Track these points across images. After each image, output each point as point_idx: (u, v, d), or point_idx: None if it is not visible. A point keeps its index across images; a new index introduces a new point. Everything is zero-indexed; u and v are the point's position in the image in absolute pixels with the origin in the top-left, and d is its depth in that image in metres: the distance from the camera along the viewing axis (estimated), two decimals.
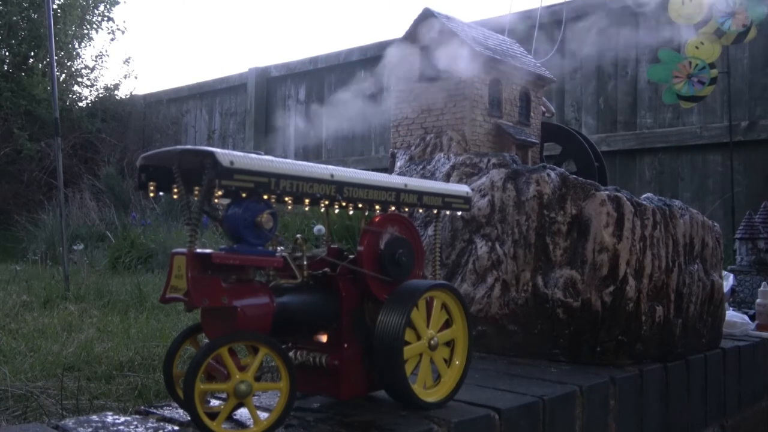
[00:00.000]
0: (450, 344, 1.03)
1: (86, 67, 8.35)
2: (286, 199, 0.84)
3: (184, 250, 0.81)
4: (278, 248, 0.91)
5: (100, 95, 8.23)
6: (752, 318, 2.07)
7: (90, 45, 9.63)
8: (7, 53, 7.70)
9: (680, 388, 1.50)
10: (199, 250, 0.81)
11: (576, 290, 1.40)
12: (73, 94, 8.13)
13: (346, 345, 0.96)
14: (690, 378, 1.53)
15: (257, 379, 0.82)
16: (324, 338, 0.98)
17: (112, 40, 10.20)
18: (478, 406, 1.02)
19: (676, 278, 1.49)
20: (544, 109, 2.05)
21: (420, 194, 1.01)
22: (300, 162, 0.86)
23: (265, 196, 0.82)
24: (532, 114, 1.95)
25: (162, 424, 0.91)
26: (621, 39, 4.29)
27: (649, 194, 1.60)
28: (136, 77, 14.46)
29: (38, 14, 7.55)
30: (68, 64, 8.08)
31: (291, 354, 0.98)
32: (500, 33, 2.09)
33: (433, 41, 1.80)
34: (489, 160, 1.55)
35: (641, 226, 1.44)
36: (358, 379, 0.98)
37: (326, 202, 0.89)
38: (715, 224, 1.71)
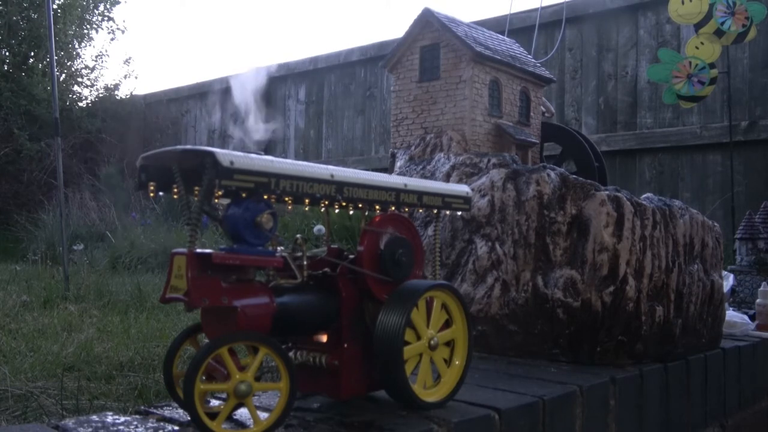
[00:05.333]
0: (450, 344, 1.03)
1: (86, 67, 8.35)
2: (286, 199, 0.84)
3: (184, 250, 0.81)
4: (278, 248, 0.91)
5: (100, 95, 8.22)
6: (752, 318, 2.07)
7: (90, 45, 9.59)
8: (7, 53, 7.69)
9: (680, 388, 1.50)
10: (199, 250, 0.81)
11: (576, 290, 1.40)
12: (73, 94, 8.12)
13: (346, 345, 0.96)
14: (690, 378, 1.53)
15: (257, 379, 0.82)
16: (324, 338, 0.98)
17: (112, 40, 10.17)
18: (478, 406, 1.02)
19: (676, 278, 1.49)
20: (544, 109, 2.05)
21: (420, 194, 1.01)
22: (300, 162, 0.86)
23: (265, 196, 0.82)
24: (532, 114, 1.95)
25: (162, 424, 0.91)
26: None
27: (649, 194, 1.60)
28: (136, 77, 14.42)
29: (38, 14, 7.55)
30: (68, 64, 8.07)
31: (291, 354, 0.98)
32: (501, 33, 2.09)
33: (432, 41, 1.80)
34: (489, 160, 1.55)
35: (641, 226, 1.44)
36: (358, 379, 0.98)
37: (326, 202, 0.89)
38: (715, 224, 1.71)
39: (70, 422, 0.89)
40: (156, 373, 1.64)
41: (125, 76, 8.81)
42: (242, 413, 0.91)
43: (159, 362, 1.76)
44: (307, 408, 0.98)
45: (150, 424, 0.90)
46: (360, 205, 0.93)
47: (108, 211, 5.77)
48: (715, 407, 1.65)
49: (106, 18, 8.48)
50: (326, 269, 0.99)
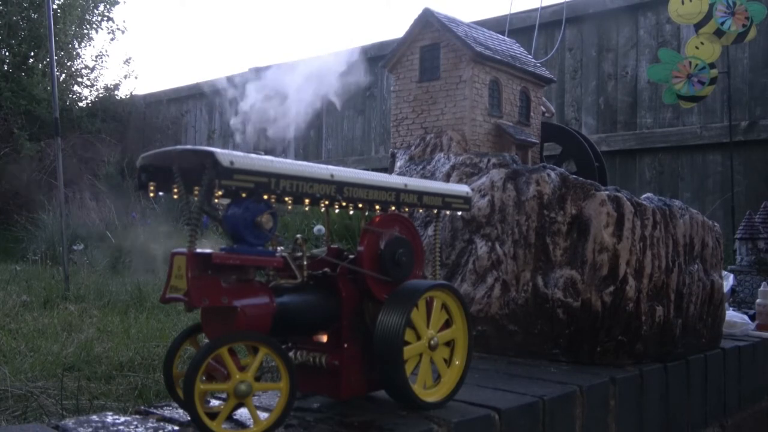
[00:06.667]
0: (450, 344, 1.03)
1: (86, 67, 8.35)
2: (286, 199, 0.84)
3: (184, 250, 0.81)
4: (278, 248, 0.91)
5: (100, 95, 8.23)
6: (752, 318, 2.07)
7: (90, 45, 9.62)
8: (7, 53, 7.69)
9: (680, 388, 1.50)
10: (199, 250, 0.81)
11: (576, 290, 1.40)
12: (73, 94, 8.13)
13: (346, 345, 0.96)
14: (690, 378, 1.53)
15: (257, 379, 0.82)
16: (324, 338, 0.98)
17: (112, 40, 10.18)
18: (478, 406, 1.02)
19: (676, 278, 1.49)
20: (544, 109, 2.05)
21: (420, 194, 1.01)
22: (300, 162, 0.86)
23: (265, 196, 0.82)
24: (532, 114, 1.95)
25: (162, 424, 0.91)
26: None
27: (649, 194, 1.60)
28: (136, 77, 14.44)
29: (38, 14, 7.55)
30: (68, 64, 8.07)
31: (291, 354, 0.98)
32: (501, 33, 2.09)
33: (433, 41, 1.80)
34: (489, 160, 1.55)
35: (641, 226, 1.44)
36: (358, 379, 0.98)
37: (326, 202, 0.89)
38: (715, 224, 1.71)
39: (70, 422, 0.89)
40: (156, 373, 1.64)
41: (125, 76, 8.83)
42: (242, 413, 0.91)
43: (159, 362, 1.76)
44: (307, 408, 0.98)
45: (150, 424, 0.90)
46: (360, 205, 0.93)
47: (108, 211, 5.77)
48: (715, 407, 1.65)
49: (106, 18, 8.48)
50: (326, 269, 0.99)
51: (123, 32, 8.89)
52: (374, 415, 0.95)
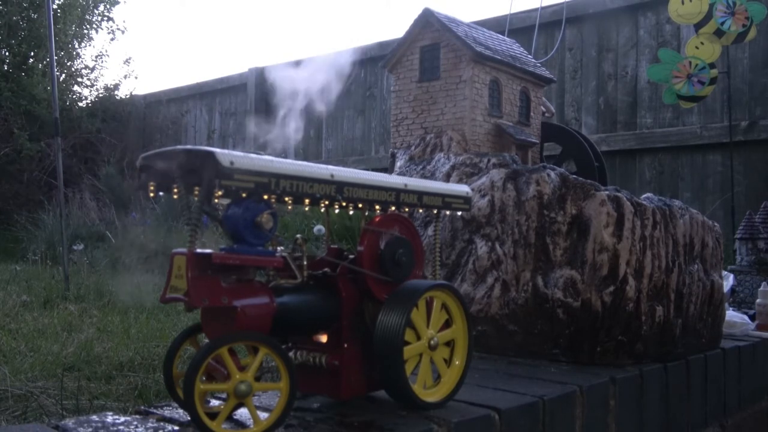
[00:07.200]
0: (450, 344, 1.03)
1: (86, 67, 8.34)
2: (286, 199, 0.84)
3: (184, 250, 0.81)
4: (278, 248, 0.91)
5: (100, 95, 8.22)
6: (752, 318, 2.07)
7: (90, 45, 9.61)
8: (7, 53, 7.69)
9: (680, 388, 1.50)
10: (199, 250, 0.81)
11: (576, 290, 1.40)
12: (73, 94, 8.12)
13: (346, 345, 0.96)
14: (690, 378, 1.53)
15: (257, 379, 0.82)
16: (324, 338, 0.98)
17: (112, 40, 10.17)
18: (478, 406, 1.02)
19: (676, 278, 1.49)
20: (544, 109, 2.05)
21: (420, 194, 1.01)
22: (300, 162, 0.86)
23: (265, 196, 0.82)
24: (532, 114, 1.95)
25: (162, 424, 0.91)
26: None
27: (649, 194, 1.60)
28: (136, 77, 14.40)
29: (38, 14, 7.54)
30: (68, 64, 8.06)
31: (291, 354, 0.98)
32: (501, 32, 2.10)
33: (433, 41, 1.80)
34: (489, 160, 1.55)
35: (641, 226, 1.44)
36: (358, 379, 0.98)
37: (326, 202, 0.89)
38: (715, 224, 1.71)
39: (70, 422, 0.89)
40: (156, 373, 1.64)
41: (125, 76, 8.81)
42: (242, 413, 0.91)
43: (159, 362, 1.76)
44: (307, 408, 0.98)
45: (150, 424, 0.90)
46: (360, 205, 0.93)
47: (108, 211, 5.77)
48: (715, 407, 1.65)
49: (106, 18, 8.47)
50: (326, 269, 0.99)
51: (123, 32, 8.89)
52: (374, 415, 0.95)
